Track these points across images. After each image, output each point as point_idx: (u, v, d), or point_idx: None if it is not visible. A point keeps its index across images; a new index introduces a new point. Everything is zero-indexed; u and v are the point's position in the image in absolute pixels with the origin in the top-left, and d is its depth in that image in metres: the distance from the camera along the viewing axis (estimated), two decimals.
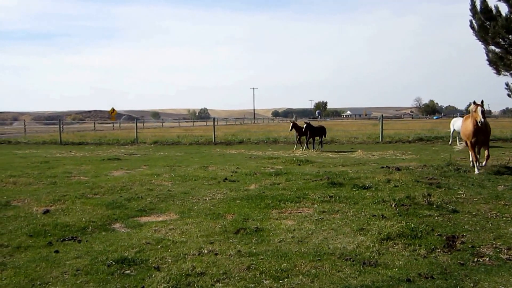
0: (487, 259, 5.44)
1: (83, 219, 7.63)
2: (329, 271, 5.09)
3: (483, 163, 12.32)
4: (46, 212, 8.24)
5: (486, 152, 12.35)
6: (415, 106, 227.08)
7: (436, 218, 7.37)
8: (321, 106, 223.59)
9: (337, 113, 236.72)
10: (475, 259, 5.44)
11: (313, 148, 21.75)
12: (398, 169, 12.85)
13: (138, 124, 34.38)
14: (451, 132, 23.46)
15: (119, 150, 24.85)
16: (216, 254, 5.71)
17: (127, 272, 5.17)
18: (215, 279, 4.88)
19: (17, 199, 9.56)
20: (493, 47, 18.68)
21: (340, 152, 20.86)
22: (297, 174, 12.43)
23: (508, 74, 18.93)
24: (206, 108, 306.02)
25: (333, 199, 8.93)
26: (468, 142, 12.54)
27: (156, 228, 7.06)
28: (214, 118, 34.07)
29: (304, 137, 22.09)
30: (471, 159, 13.09)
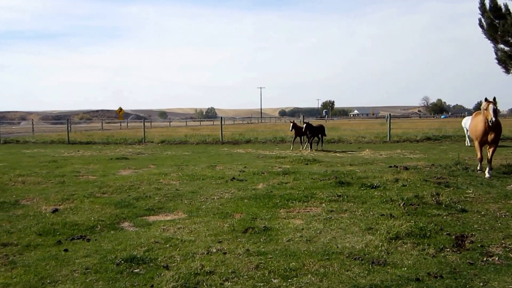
0: (497, 258, 5.42)
1: (92, 218, 7.67)
2: (338, 270, 5.08)
3: (488, 169, 11.35)
4: (55, 211, 8.29)
5: (490, 153, 11.52)
6: (422, 105, 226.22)
7: (445, 217, 7.34)
8: (328, 105, 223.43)
9: (344, 112, 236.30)
10: (485, 259, 5.41)
11: (310, 148, 21.26)
12: (406, 168, 12.80)
13: (145, 124, 34.47)
14: (466, 133, 21.98)
15: (127, 149, 24.94)
16: (224, 253, 5.72)
17: (136, 271, 5.19)
18: (224, 278, 4.89)
19: (26, 198, 9.62)
20: (502, 46, 18.53)
21: (341, 151, 20.81)
22: (305, 173, 12.42)
23: None
24: (213, 108, 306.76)
25: (341, 198, 8.91)
26: (476, 142, 11.90)
27: (165, 227, 7.08)
28: (221, 118, 34.11)
29: (304, 136, 21.87)
30: (479, 167, 12.31)
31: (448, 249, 5.77)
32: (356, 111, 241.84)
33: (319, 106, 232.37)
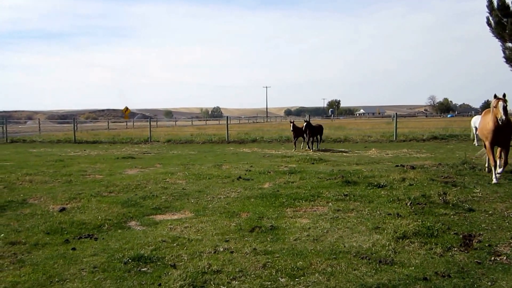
0: (504, 258, 5.39)
1: (99, 217, 7.70)
2: (345, 269, 5.08)
3: (499, 170, 10.50)
4: (62, 210, 8.33)
5: (503, 157, 10.62)
6: (429, 104, 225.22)
7: (452, 216, 7.31)
8: (334, 105, 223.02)
9: (350, 112, 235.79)
10: (492, 258, 5.39)
11: (311, 148, 20.88)
12: (413, 168, 12.75)
13: (151, 123, 34.56)
14: (474, 132, 21.25)
15: (133, 148, 25.02)
16: (231, 252, 5.73)
17: (143, 269, 5.21)
18: (231, 277, 4.90)
19: (33, 197, 9.67)
20: (510, 44, 18.47)
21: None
22: (311, 172, 12.40)
23: None
24: (218, 107, 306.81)
25: (347, 197, 8.90)
26: (486, 143, 10.81)
27: (172, 226, 7.10)
28: (227, 117, 34.14)
29: (305, 136, 21.41)
30: (486, 164, 11.74)
31: (455, 249, 5.74)
32: (362, 110, 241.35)
33: (325, 105, 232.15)
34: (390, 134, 27.70)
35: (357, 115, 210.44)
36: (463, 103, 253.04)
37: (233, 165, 15.01)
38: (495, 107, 10.03)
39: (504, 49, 18.80)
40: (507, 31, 17.58)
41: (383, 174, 11.71)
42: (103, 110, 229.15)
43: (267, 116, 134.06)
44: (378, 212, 7.65)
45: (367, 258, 5.41)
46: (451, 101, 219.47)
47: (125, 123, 67.12)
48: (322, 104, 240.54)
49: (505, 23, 17.55)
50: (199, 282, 4.78)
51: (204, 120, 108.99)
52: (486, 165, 11.82)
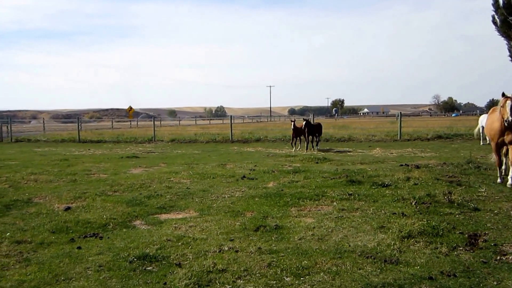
0: (510, 257, 5.37)
1: (104, 216, 7.72)
2: (350, 268, 5.07)
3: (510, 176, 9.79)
4: (68, 209, 8.37)
5: (510, 157, 9.82)
6: (433, 103, 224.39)
7: (457, 216, 7.30)
8: (338, 104, 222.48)
9: (354, 111, 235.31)
10: (498, 257, 5.38)
11: (312, 147, 20.57)
12: (418, 167, 12.73)
13: (155, 122, 34.62)
14: (481, 131, 21.29)
15: (137, 148, 25.07)
16: (236, 251, 5.73)
17: (149, 268, 5.22)
18: (236, 276, 4.90)
19: (38, 196, 9.71)
20: None
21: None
22: (315, 172, 12.40)
23: None
24: (222, 106, 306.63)
25: (352, 197, 8.89)
26: (493, 143, 10.34)
27: (176, 225, 7.11)
28: (231, 116, 34.10)
29: (306, 135, 20.71)
30: (496, 165, 10.75)
31: (461, 248, 5.73)
32: (366, 110, 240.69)
33: (329, 104, 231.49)
34: (394, 133, 27.67)
35: (361, 114, 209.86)
36: (468, 102, 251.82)
37: (237, 164, 15.02)
38: (503, 106, 9.51)
39: (510, 47, 18.75)
40: None
41: (387, 173, 11.69)
42: (107, 110, 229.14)
43: (270, 116, 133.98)
44: (383, 212, 7.65)
45: (372, 257, 5.41)
46: (455, 100, 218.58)
47: (129, 123, 67.28)
48: (326, 103, 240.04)
49: (511, 21, 17.50)
50: (204, 281, 4.79)
51: (207, 119, 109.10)
52: (499, 175, 10.60)
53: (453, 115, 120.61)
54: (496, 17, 18.43)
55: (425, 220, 6.88)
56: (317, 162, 15.25)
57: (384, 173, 11.71)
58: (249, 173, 12.53)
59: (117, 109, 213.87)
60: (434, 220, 6.93)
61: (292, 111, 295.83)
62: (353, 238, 6.24)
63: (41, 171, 13.75)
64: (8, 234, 6.72)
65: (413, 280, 4.72)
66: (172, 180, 11.68)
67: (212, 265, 5.17)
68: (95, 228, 7.07)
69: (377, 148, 20.54)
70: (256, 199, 8.99)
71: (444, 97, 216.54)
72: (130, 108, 56.32)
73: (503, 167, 10.61)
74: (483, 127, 20.17)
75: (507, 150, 10.15)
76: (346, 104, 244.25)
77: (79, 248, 6.05)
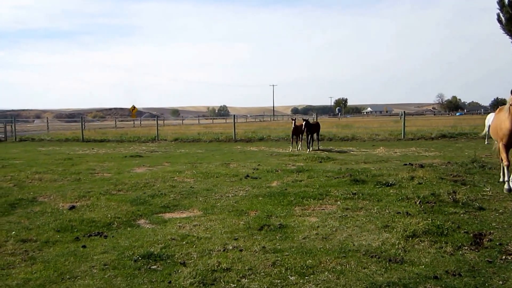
0: None
1: (109, 215, 7.74)
2: (355, 267, 5.07)
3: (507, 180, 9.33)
4: (72, 208, 8.39)
5: None
6: (437, 102, 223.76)
7: (462, 215, 7.28)
8: (341, 103, 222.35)
9: (357, 110, 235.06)
10: (503, 257, 5.36)
11: (310, 147, 19.96)
12: (422, 166, 12.70)
13: (158, 122, 34.66)
14: (488, 130, 20.44)
15: (141, 147, 25.11)
16: (241, 250, 5.74)
17: (153, 267, 5.23)
18: (240, 275, 4.91)
19: (43, 195, 9.74)
20: None
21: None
22: (319, 171, 12.39)
23: None
24: (225, 105, 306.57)
25: (356, 196, 8.88)
26: (500, 144, 9.60)
27: (181, 224, 7.12)
28: (234, 116, 34.15)
29: (302, 135, 20.54)
30: (502, 172, 10.01)
31: (466, 247, 5.72)
32: (369, 109, 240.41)
33: (332, 103, 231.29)
34: (398, 133, 27.60)
35: (365, 113, 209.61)
36: (472, 101, 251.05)
37: (241, 163, 15.02)
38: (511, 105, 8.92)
39: None
40: None
41: (391, 172, 11.67)
42: (110, 109, 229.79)
43: (274, 115, 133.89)
44: (387, 211, 7.64)
45: (377, 256, 5.40)
46: (459, 99, 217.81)
47: (132, 122, 67.40)
48: (329, 102, 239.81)
49: None
50: (209, 280, 4.79)
51: (211, 118, 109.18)
52: (505, 178, 9.74)
53: (457, 114, 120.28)
54: (501, 15, 18.35)
55: (429, 219, 6.86)
56: (320, 161, 15.24)
57: (388, 172, 11.70)
58: (253, 172, 12.53)
59: (121, 109, 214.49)
60: (439, 219, 6.91)
61: (295, 110, 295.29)
62: (357, 237, 6.24)
63: (45, 170, 13.79)
64: (13, 232, 6.75)
65: (418, 280, 4.71)
66: (175, 179, 11.69)
67: (217, 264, 5.18)
68: (100, 227, 7.09)
69: (381, 147, 20.51)
70: (260, 198, 9.00)
71: (448, 96, 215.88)
72: (134, 107, 56.39)
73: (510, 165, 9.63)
74: (489, 126, 19.90)
75: None
76: (349, 103, 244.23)
77: (84, 246, 6.07)
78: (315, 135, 20.56)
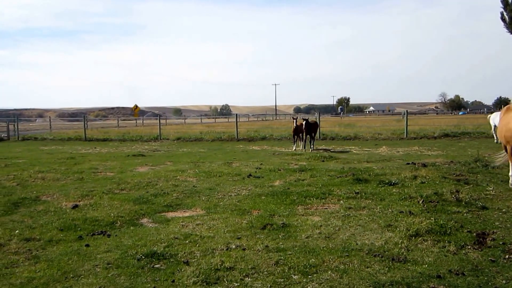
0: None
1: (112, 214, 7.75)
2: (358, 267, 5.07)
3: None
4: (75, 207, 8.40)
5: None
6: (440, 101, 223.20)
7: (465, 214, 7.27)
8: (344, 102, 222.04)
9: (359, 109, 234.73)
10: (507, 256, 5.35)
11: (310, 147, 19.85)
12: (425, 165, 12.69)
13: (160, 121, 34.69)
14: (493, 130, 20.75)
15: (143, 146, 25.14)
16: (244, 249, 5.74)
17: (157, 266, 5.24)
18: (244, 274, 4.91)
19: (46, 194, 9.76)
20: None
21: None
22: (322, 170, 12.39)
23: None
24: (227, 105, 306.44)
25: (359, 195, 8.88)
26: (509, 146, 9.01)
27: (184, 223, 7.13)
28: (236, 115, 34.09)
29: (302, 134, 20.20)
30: (510, 173, 9.47)
31: (469, 247, 5.72)
32: (371, 108, 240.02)
33: (334, 102, 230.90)
34: (400, 132, 27.57)
35: (367, 112, 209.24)
36: (475, 100, 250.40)
37: (243, 163, 15.03)
38: None
39: None
40: None
41: (394, 171, 11.67)
42: (112, 108, 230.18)
43: (276, 114, 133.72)
44: (390, 210, 7.63)
45: (380, 255, 5.40)
46: (462, 98, 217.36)
47: (134, 121, 67.44)
48: (332, 101, 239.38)
49: None
50: (212, 278, 4.80)
51: (213, 117, 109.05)
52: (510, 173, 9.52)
53: (460, 113, 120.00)
54: (504, 14, 18.34)
55: (432, 218, 6.85)
56: (323, 161, 15.24)
57: (390, 172, 11.69)
58: (255, 172, 12.53)
59: (123, 108, 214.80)
60: (442, 218, 6.90)
61: (298, 109, 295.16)
62: (360, 237, 6.24)
63: (48, 169, 13.83)
64: (17, 231, 6.76)
65: (421, 279, 4.71)
66: (178, 178, 11.70)
67: (220, 263, 5.18)
68: (103, 226, 7.10)
69: (383, 147, 20.50)
70: (263, 197, 9.00)
71: (450, 95, 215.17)
72: (136, 106, 56.40)
73: None
74: (495, 126, 19.77)
75: None
76: (352, 102, 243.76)
77: (87, 245, 6.08)
78: (311, 135, 20.26)
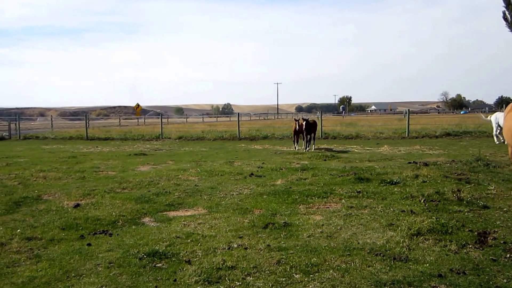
0: None
1: (113, 213, 7.76)
2: (360, 266, 5.07)
3: None
4: (77, 206, 8.41)
5: None
6: (441, 100, 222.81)
7: (467, 213, 7.27)
8: (346, 101, 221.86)
9: (361, 108, 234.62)
10: (508, 255, 5.34)
11: (308, 147, 19.44)
12: (426, 164, 12.69)
13: (162, 120, 34.71)
14: (495, 130, 20.48)
15: (145, 145, 25.16)
16: (245, 248, 5.75)
17: (158, 265, 5.25)
18: (245, 273, 4.92)
19: (47, 193, 9.78)
20: None
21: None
22: (323, 169, 12.39)
23: None
24: (229, 104, 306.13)
25: (360, 194, 8.88)
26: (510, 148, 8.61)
27: (185, 223, 7.14)
28: (238, 114, 34.15)
29: (302, 134, 19.83)
30: None
31: (470, 246, 5.71)
32: (373, 107, 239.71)
33: (336, 101, 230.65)
34: (402, 131, 27.55)
35: (369, 111, 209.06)
36: (477, 100, 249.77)
37: (245, 162, 15.04)
38: None
39: None
40: None
41: (396, 171, 11.66)
42: (114, 107, 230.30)
43: (278, 113, 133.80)
44: (391, 209, 7.63)
45: (381, 254, 5.40)
46: (464, 97, 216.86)
47: (136, 120, 67.44)
48: (333, 100, 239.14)
49: None
50: (214, 278, 4.81)
51: (215, 116, 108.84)
52: None
53: (461, 112, 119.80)
54: (506, 13, 18.24)
55: (434, 217, 6.86)
56: (325, 160, 15.24)
57: (392, 171, 11.69)
58: (257, 171, 12.54)
59: (125, 107, 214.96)
60: (443, 217, 6.90)
61: (300, 108, 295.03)
62: (362, 236, 6.24)
63: (49, 168, 13.85)
64: (18, 230, 6.78)
65: (422, 278, 4.71)
66: (180, 177, 11.71)
67: (222, 262, 5.19)
68: (105, 225, 7.11)
69: (385, 146, 20.48)
70: (265, 196, 9.01)
71: (452, 94, 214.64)
72: (138, 105, 56.48)
73: None
74: (498, 126, 19.61)
75: None
76: (354, 101, 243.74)
77: (89, 244, 6.09)
78: (310, 135, 20.08)
